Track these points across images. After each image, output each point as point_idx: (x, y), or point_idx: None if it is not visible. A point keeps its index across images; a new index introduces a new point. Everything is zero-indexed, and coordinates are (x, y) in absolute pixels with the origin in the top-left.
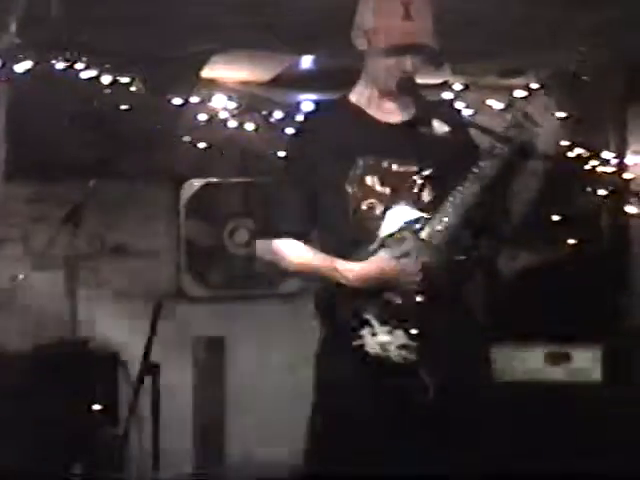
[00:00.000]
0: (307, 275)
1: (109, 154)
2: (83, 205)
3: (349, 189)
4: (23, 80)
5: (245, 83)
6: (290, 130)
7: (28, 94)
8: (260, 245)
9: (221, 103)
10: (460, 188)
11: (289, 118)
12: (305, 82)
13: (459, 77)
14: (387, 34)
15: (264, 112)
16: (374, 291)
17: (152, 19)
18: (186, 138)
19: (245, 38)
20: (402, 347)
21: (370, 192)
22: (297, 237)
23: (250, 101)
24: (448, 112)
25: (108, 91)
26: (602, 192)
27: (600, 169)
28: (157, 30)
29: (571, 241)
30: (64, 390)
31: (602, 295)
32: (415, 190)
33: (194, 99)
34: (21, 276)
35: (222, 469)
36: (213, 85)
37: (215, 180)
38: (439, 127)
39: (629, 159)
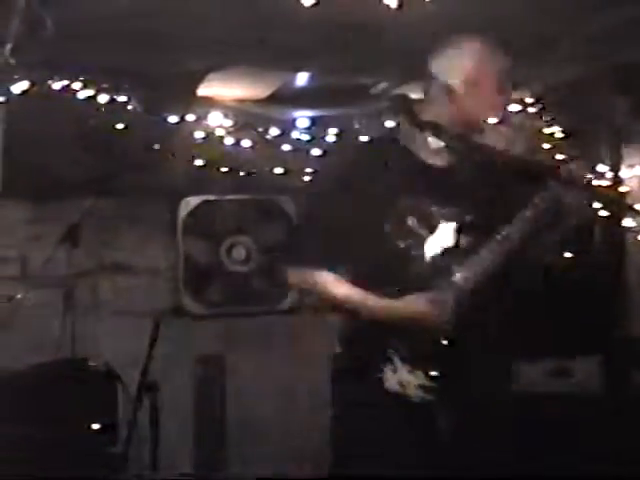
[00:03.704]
0: (338, 307)
1: (106, 173)
2: (81, 224)
3: (387, 228)
4: (19, 101)
5: (241, 100)
6: (288, 147)
7: (25, 114)
8: (293, 274)
9: (217, 120)
10: (498, 236)
11: (285, 135)
12: (301, 99)
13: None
14: (477, 102)
15: (260, 129)
16: (399, 328)
17: (148, 37)
18: (183, 156)
19: (241, 55)
20: (421, 387)
21: (409, 232)
22: (331, 269)
23: (246, 118)
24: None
25: (105, 110)
26: (598, 205)
27: (595, 182)
28: (153, 48)
29: (567, 254)
30: (63, 409)
31: (599, 307)
32: (452, 234)
33: (190, 117)
34: (19, 296)
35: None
36: (209, 103)
37: (212, 197)
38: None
39: (624, 173)
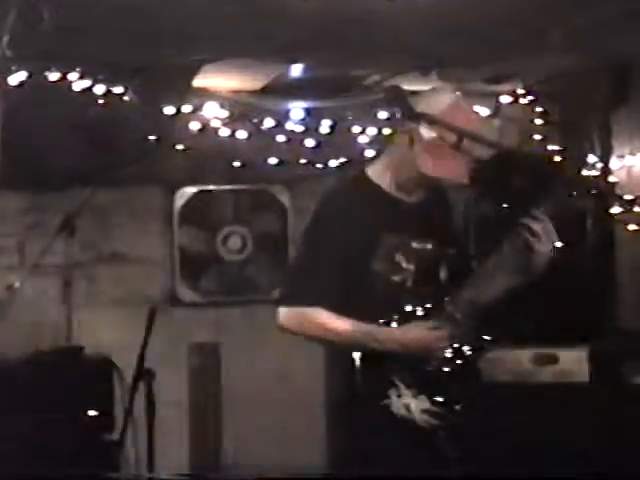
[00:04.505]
0: (341, 341)
1: (103, 163)
2: (77, 214)
3: (376, 265)
4: (17, 91)
5: (236, 92)
6: (282, 138)
7: (22, 105)
8: (286, 313)
9: (213, 112)
10: (481, 268)
11: (280, 126)
12: (295, 90)
13: (446, 83)
14: (435, 162)
15: (255, 120)
16: (402, 355)
17: (144, 29)
18: (179, 146)
19: (236, 47)
20: (425, 412)
21: (399, 269)
22: (324, 306)
23: (241, 109)
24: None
25: (101, 101)
26: (587, 195)
27: (585, 173)
28: (149, 40)
29: (557, 244)
30: (60, 397)
31: (588, 297)
32: (435, 267)
33: (186, 108)
34: (17, 284)
35: (218, 474)
36: (205, 94)
37: (208, 188)
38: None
39: (613, 163)
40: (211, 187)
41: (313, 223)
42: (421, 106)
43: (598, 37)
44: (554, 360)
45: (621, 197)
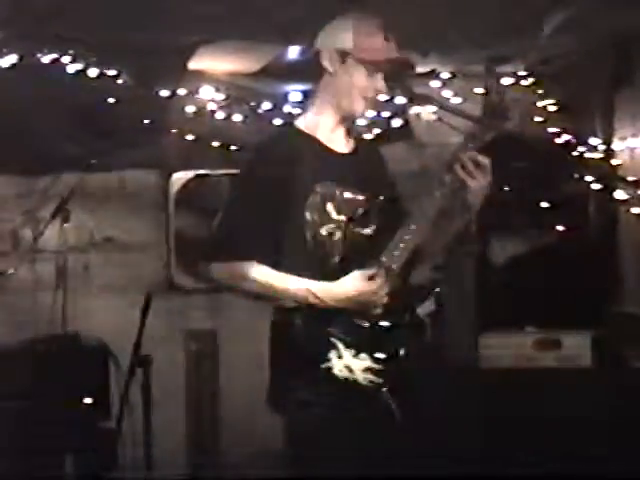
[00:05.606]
0: (275, 297)
1: (97, 147)
2: (72, 199)
3: (308, 216)
4: (9, 74)
5: (233, 74)
6: (279, 121)
7: (15, 88)
8: (218, 268)
9: (209, 95)
10: (415, 215)
11: (277, 109)
12: (292, 73)
13: (446, 65)
14: (370, 52)
15: (252, 103)
16: (339, 314)
17: (138, 11)
18: (174, 130)
19: (232, 29)
20: (367, 370)
21: (328, 219)
22: (258, 260)
23: (238, 92)
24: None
25: (95, 84)
26: (589, 178)
27: (587, 155)
28: (143, 22)
29: (559, 228)
30: (55, 384)
31: (591, 281)
32: (366, 217)
33: (182, 91)
34: (11, 270)
35: (215, 461)
36: (201, 77)
37: (204, 172)
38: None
39: (616, 145)
40: (207, 171)
41: (244, 176)
42: (325, 42)
43: (601, 17)
44: (557, 345)
45: (624, 179)
